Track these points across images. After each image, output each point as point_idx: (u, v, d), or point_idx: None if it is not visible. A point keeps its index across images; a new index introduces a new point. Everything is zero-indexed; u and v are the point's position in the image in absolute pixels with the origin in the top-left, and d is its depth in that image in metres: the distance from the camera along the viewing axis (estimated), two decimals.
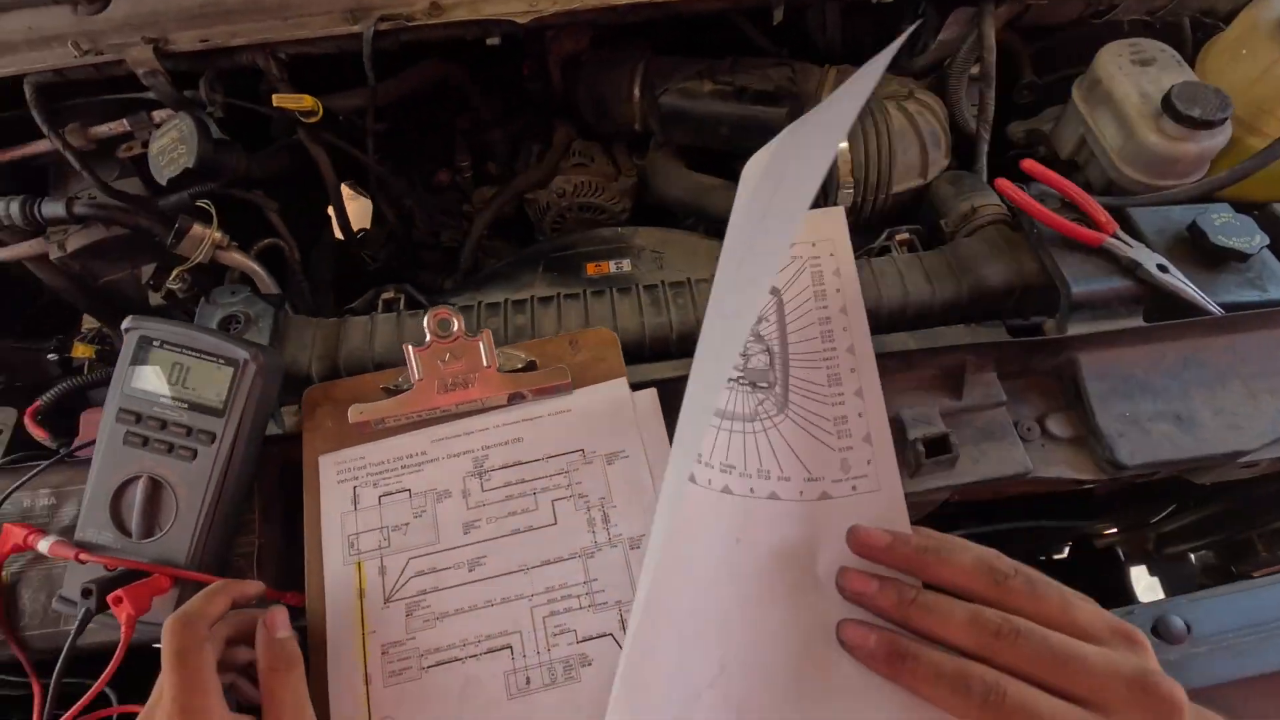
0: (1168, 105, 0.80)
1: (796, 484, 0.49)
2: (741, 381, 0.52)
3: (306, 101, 0.79)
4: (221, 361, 0.58)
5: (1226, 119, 0.80)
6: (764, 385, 0.52)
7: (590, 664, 0.53)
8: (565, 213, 1.21)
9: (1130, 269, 0.73)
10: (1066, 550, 1.13)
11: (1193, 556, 1.09)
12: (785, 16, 0.94)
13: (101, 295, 0.94)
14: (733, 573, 0.48)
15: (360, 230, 1.24)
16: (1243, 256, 0.74)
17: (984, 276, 0.79)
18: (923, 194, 0.92)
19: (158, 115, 0.86)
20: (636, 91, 1.12)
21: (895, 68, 1.06)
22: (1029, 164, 0.82)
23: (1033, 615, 0.40)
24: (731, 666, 0.45)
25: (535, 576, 0.56)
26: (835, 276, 0.56)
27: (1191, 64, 0.91)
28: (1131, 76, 0.85)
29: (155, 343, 0.58)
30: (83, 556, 0.54)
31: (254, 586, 0.53)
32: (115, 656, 0.50)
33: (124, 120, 0.85)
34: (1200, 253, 0.76)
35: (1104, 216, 0.75)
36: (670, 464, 0.44)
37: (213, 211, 0.84)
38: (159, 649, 0.46)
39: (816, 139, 0.50)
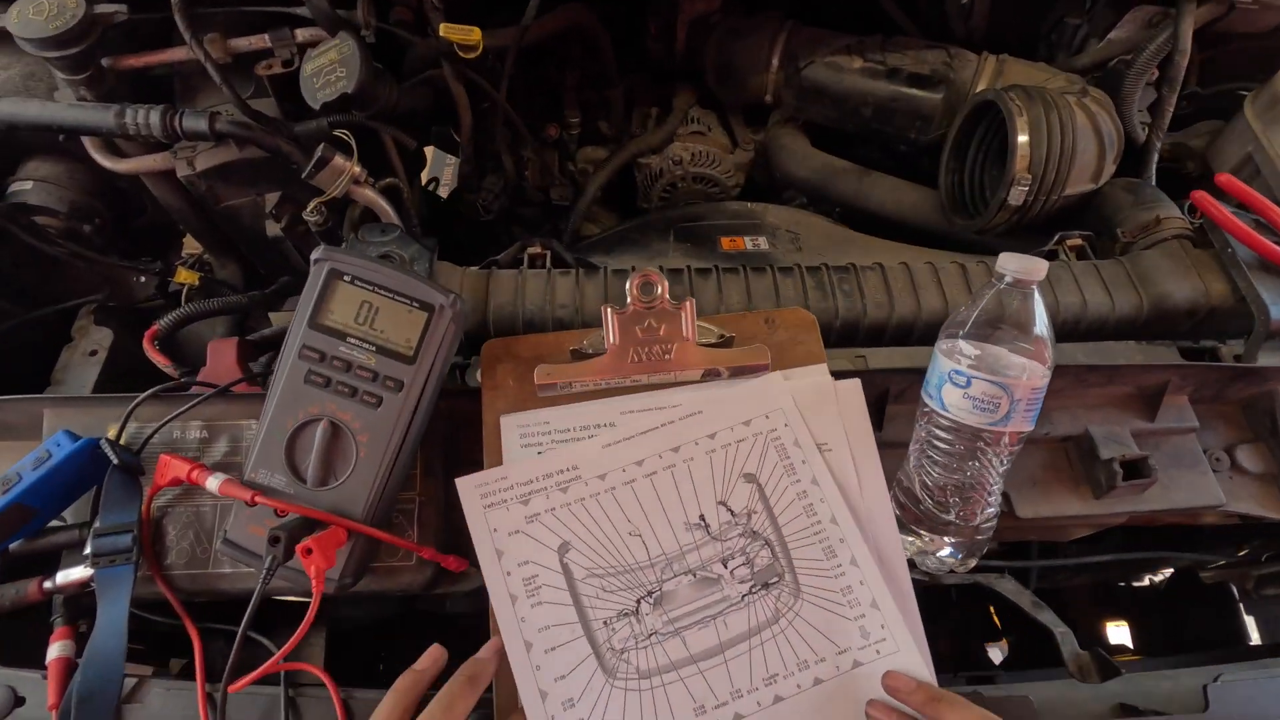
0: None
1: (831, 661, 0.51)
2: (755, 590, 0.53)
3: (474, 35, 0.74)
4: (415, 305, 0.53)
5: None
6: (774, 580, 0.53)
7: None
8: (678, 181, 1.16)
9: None
10: (1163, 575, 1.11)
11: None
12: None
13: (216, 220, 0.89)
14: None
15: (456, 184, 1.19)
16: None
17: (1167, 293, 0.75)
18: (1089, 199, 0.88)
19: (301, 34, 0.80)
20: (776, 61, 1.06)
21: (1054, 63, 1.01)
22: (1225, 179, 0.77)
23: None
24: None
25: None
26: (797, 448, 0.56)
27: None
28: None
29: (346, 277, 0.53)
30: (258, 499, 0.51)
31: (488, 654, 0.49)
32: (307, 617, 0.46)
33: (265, 35, 0.80)
34: None
35: None
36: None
37: (353, 144, 0.79)
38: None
39: None
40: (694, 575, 0.52)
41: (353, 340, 0.53)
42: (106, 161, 0.81)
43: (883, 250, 0.93)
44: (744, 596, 0.52)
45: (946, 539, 0.59)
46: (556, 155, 1.21)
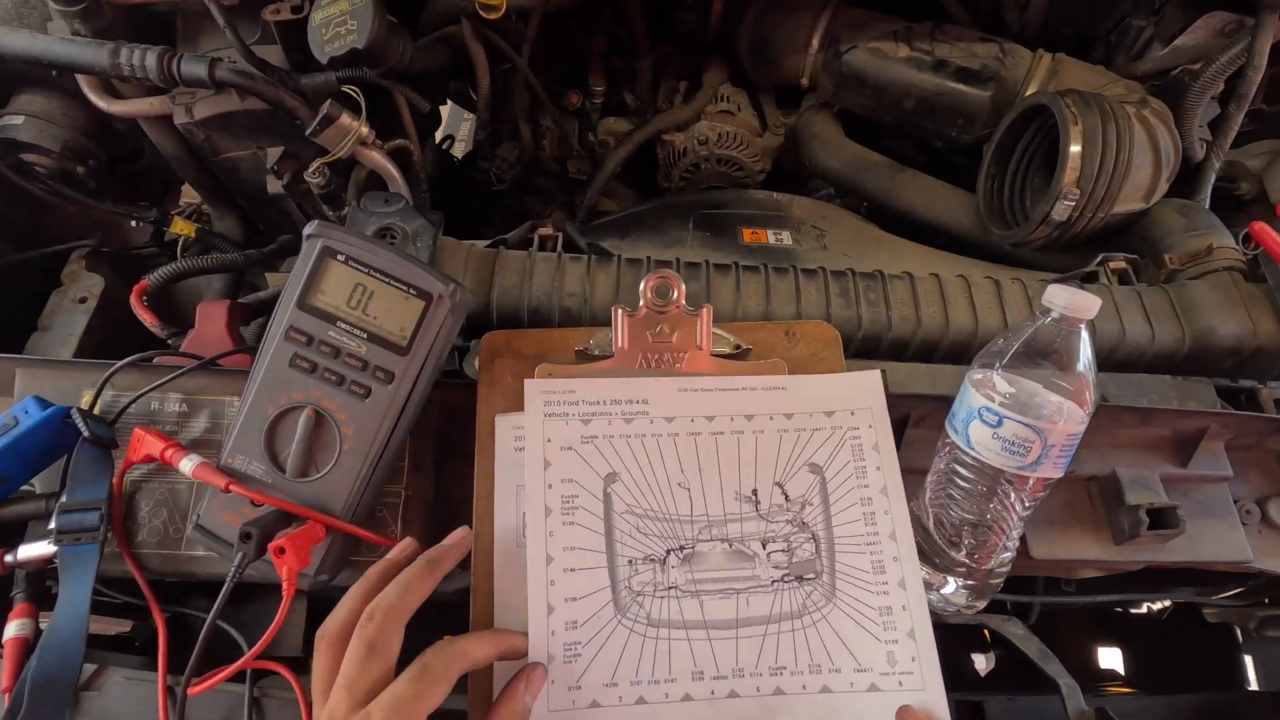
0: None
1: (847, 675, 0.49)
2: (786, 579, 0.51)
3: None
4: (413, 292, 0.49)
5: None
6: (811, 576, 0.51)
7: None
8: (701, 162, 1.11)
9: None
10: (1163, 605, 1.08)
11: None
12: None
13: (215, 171, 0.85)
14: None
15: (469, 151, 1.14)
16: None
17: (1212, 329, 0.71)
18: (1135, 219, 0.83)
19: None
20: (816, 42, 1.00)
21: (1112, 67, 0.95)
22: None
23: None
24: None
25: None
26: (875, 452, 0.54)
27: None
28: None
29: (339, 256, 0.49)
30: (234, 488, 0.48)
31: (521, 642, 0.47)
32: (277, 619, 0.44)
33: None
34: None
35: None
36: None
37: (362, 102, 0.74)
38: None
39: None
40: (729, 545, 0.51)
41: (343, 325, 0.50)
42: (101, 102, 0.77)
43: (911, 255, 0.88)
44: (774, 582, 0.50)
45: (952, 578, 0.56)
46: (576, 125, 1.15)
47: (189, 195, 0.96)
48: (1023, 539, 0.61)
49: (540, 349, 0.55)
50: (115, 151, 0.89)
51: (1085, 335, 0.48)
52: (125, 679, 0.50)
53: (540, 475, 0.50)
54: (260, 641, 0.44)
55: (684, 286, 0.53)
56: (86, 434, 0.51)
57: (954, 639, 1.16)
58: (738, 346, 0.55)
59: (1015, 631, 0.58)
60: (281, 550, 0.45)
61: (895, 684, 0.49)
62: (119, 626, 0.81)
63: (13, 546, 0.53)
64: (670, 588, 0.49)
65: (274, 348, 0.50)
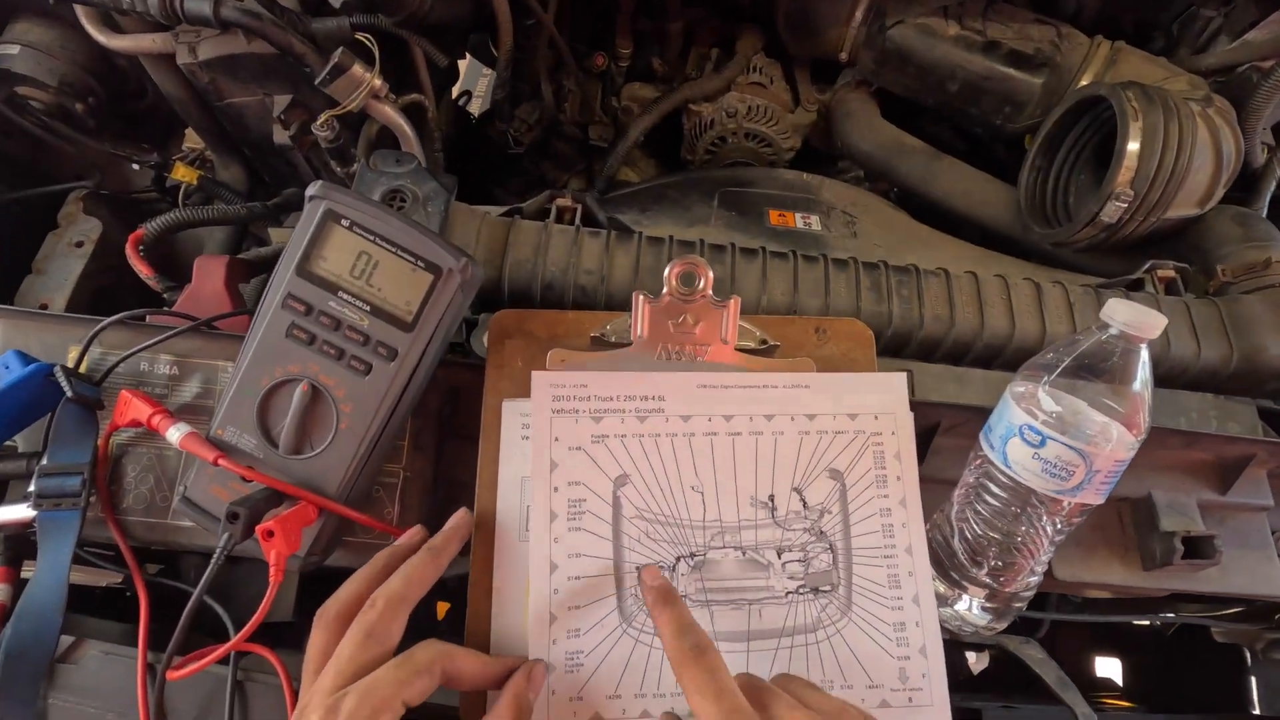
0: None
1: (859, 691, 0.47)
2: (802, 590, 0.49)
3: None
4: (421, 264, 0.46)
5: None
6: (826, 588, 0.49)
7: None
8: (729, 135, 1.06)
9: None
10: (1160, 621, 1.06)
11: None
12: None
13: (220, 117, 0.80)
14: None
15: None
16: None
17: (1263, 347, 0.67)
18: (1186, 225, 0.78)
19: None
20: (860, 14, 0.94)
21: (1173, 59, 0.89)
22: None
23: None
24: None
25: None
26: (896, 461, 0.51)
27: None
28: None
29: (344, 221, 0.46)
30: (222, 462, 0.45)
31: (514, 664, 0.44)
32: (263, 605, 0.41)
33: None
34: None
35: None
36: None
37: (376, 52, 0.70)
38: None
39: None
40: (743, 553, 0.49)
41: (345, 295, 0.46)
42: (100, 36, 0.72)
43: (945, 249, 0.84)
44: (788, 594, 0.48)
45: (967, 595, 0.54)
46: (599, 89, 1.10)
47: (192, 140, 0.91)
48: None
49: (553, 331, 0.52)
50: (116, 90, 0.85)
51: (1145, 355, 0.44)
52: (104, 653, 0.48)
53: (546, 478, 0.48)
54: (247, 626, 0.42)
55: (711, 275, 0.49)
56: (70, 394, 0.48)
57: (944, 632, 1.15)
58: (764, 341, 0.52)
59: (1033, 655, 0.56)
60: (270, 534, 0.42)
61: (905, 700, 0.48)
62: (110, 578, 0.80)
63: None
64: (681, 596, 0.47)
65: (270, 315, 0.46)
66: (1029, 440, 0.46)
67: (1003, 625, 0.54)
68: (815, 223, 0.84)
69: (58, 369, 0.49)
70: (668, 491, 0.48)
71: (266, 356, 0.47)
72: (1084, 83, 0.85)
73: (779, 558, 0.49)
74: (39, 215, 0.86)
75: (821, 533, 0.49)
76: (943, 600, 0.55)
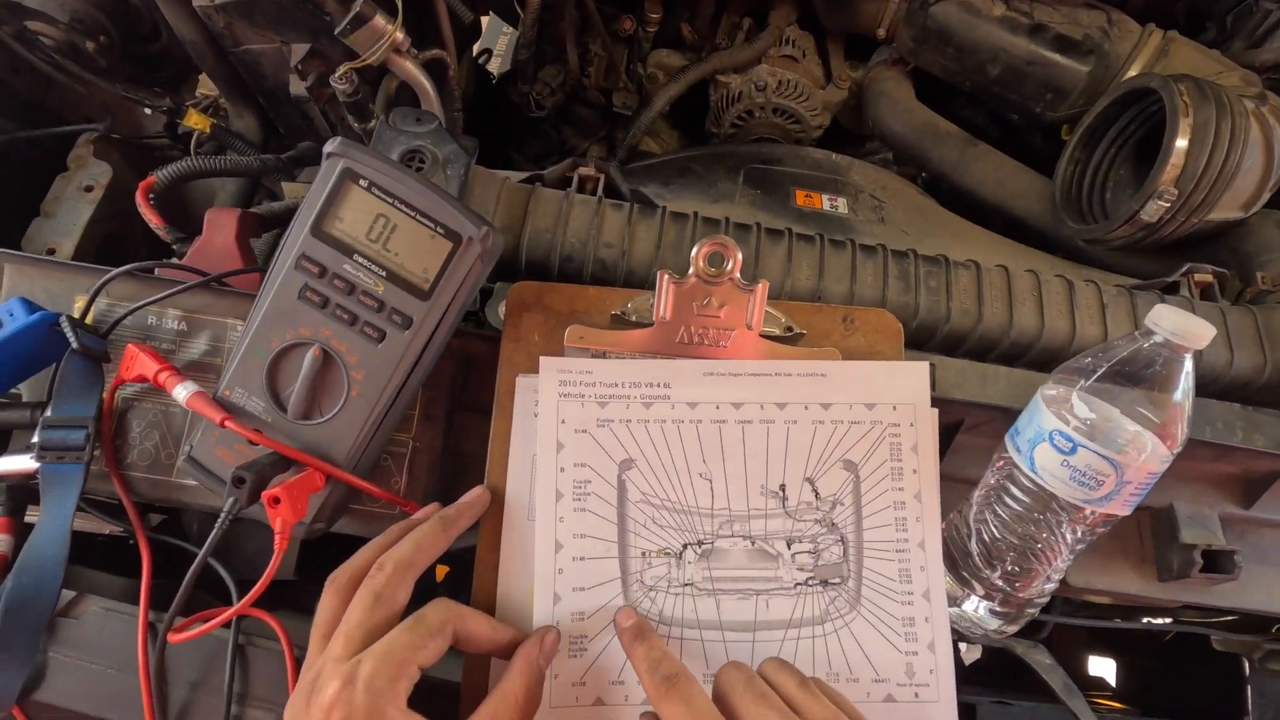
0: None
1: (864, 685, 0.47)
2: (810, 582, 0.48)
3: None
4: (440, 231, 0.44)
5: None
6: (836, 581, 0.48)
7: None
8: (756, 110, 1.03)
9: None
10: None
11: None
12: None
13: (235, 64, 0.78)
14: None
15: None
16: None
17: None
18: (1227, 229, 0.75)
19: None
20: None
21: (1226, 52, 0.85)
22: None
23: None
24: None
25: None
26: (913, 454, 0.50)
27: None
28: None
29: (362, 182, 0.44)
30: (229, 424, 0.44)
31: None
32: (268, 571, 0.40)
33: None
34: None
35: None
36: None
37: (399, 3, 0.67)
38: None
39: None
40: (752, 543, 0.48)
41: (360, 259, 0.45)
42: None
43: (975, 240, 0.81)
44: (797, 586, 0.47)
45: (976, 595, 0.53)
46: (625, 54, 1.07)
47: (206, 87, 0.89)
48: None
49: (573, 307, 0.50)
50: (129, 30, 0.82)
51: (1189, 366, 0.43)
52: (104, 610, 0.47)
53: (552, 458, 0.47)
54: (250, 593, 0.41)
55: (740, 257, 0.47)
56: (75, 345, 0.47)
57: None
58: (789, 329, 0.50)
59: (1041, 660, 0.55)
60: (276, 501, 0.41)
61: (911, 695, 0.47)
62: (112, 527, 0.80)
63: None
64: (686, 584, 0.46)
65: (283, 275, 0.45)
66: (1059, 446, 0.44)
67: (1013, 629, 0.53)
68: (842, 205, 0.82)
69: (63, 319, 0.47)
70: (675, 478, 0.47)
71: (278, 318, 0.45)
72: (1132, 73, 0.82)
73: (788, 549, 0.48)
74: (48, 156, 0.84)
75: (833, 524, 0.48)
76: (952, 600, 0.54)
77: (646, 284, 0.63)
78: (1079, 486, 0.44)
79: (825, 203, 0.82)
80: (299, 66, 0.73)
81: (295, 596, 0.81)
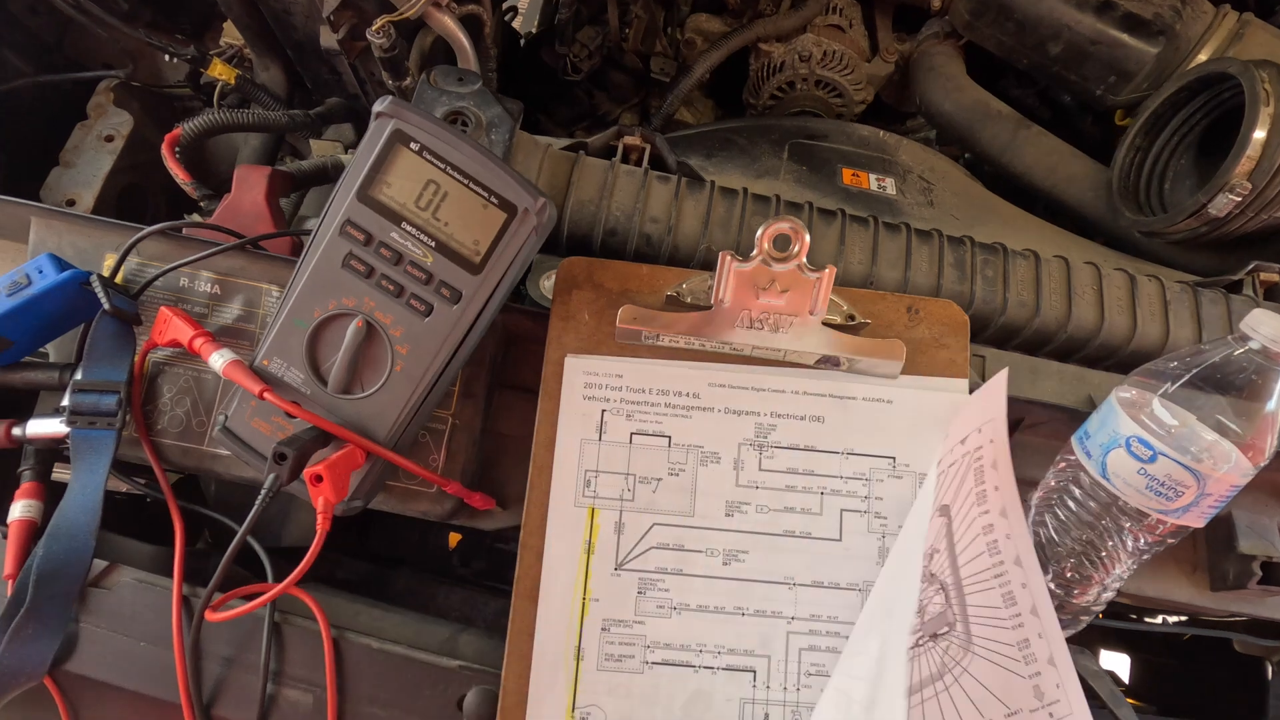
0: None
1: None
2: (921, 641, 0.44)
3: None
4: (494, 201, 0.42)
5: None
6: (944, 630, 0.45)
7: None
8: (798, 81, 0.98)
9: None
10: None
11: None
12: None
13: (264, 12, 0.74)
14: None
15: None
16: None
17: None
18: None
19: None
20: None
21: None
22: None
23: None
24: None
25: (801, 596, 0.45)
26: (994, 470, 0.46)
27: None
28: None
29: (413, 145, 0.41)
30: (269, 396, 0.42)
31: None
32: (310, 553, 0.39)
33: None
34: None
35: None
36: None
37: None
38: None
39: None
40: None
41: (409, 227, 0.42)
42: None
43: (1027, 228, 0.78)
44: (908, 650, 0.44)
45: None
46: (662, 17, 1.02)
47: (231, 35, 0.85)
48: None
49: (625, 285, 0.48)
50: None
51: None
52: (137, 581, 0.46)
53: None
54: (292, 574, 0.39)
55: (808, 240, 0.44)
56: (108, 306, 0.45)
57: None
58: (851, 317, 0.48)
59: (1089, 667, 0.54)
60: (319, 479, 0.39)
61: (1046, 717, 0.44)
62: (132, 486, 0.79)
63: (22, 419, 0.47)
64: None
65: (326, 241, 0.42)
66: (1137, 454, 0.42)
67: (1068, 633, 0.52)
68: (890, 186, 0.78)
69: (94, 278, 0.45)
70: None
71: (320, 286, 0.43)
72: (1203, 57, 0.78)
73: None
74: (67, 103, 0.82)
75: (931, 575, 0.45)
76: None
77: (691, 262, 0.60)
78: (1156, 496, 0.42)
79: (873, 182, 0.79)
80: (331, 18, 0.69)
81: (318, 565, 0.80)
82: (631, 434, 0.46)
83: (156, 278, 0.48)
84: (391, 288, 0.43)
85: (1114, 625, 0.87)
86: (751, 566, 0.45)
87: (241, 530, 0.40)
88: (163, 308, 0.47)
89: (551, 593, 0.44)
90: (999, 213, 0.81)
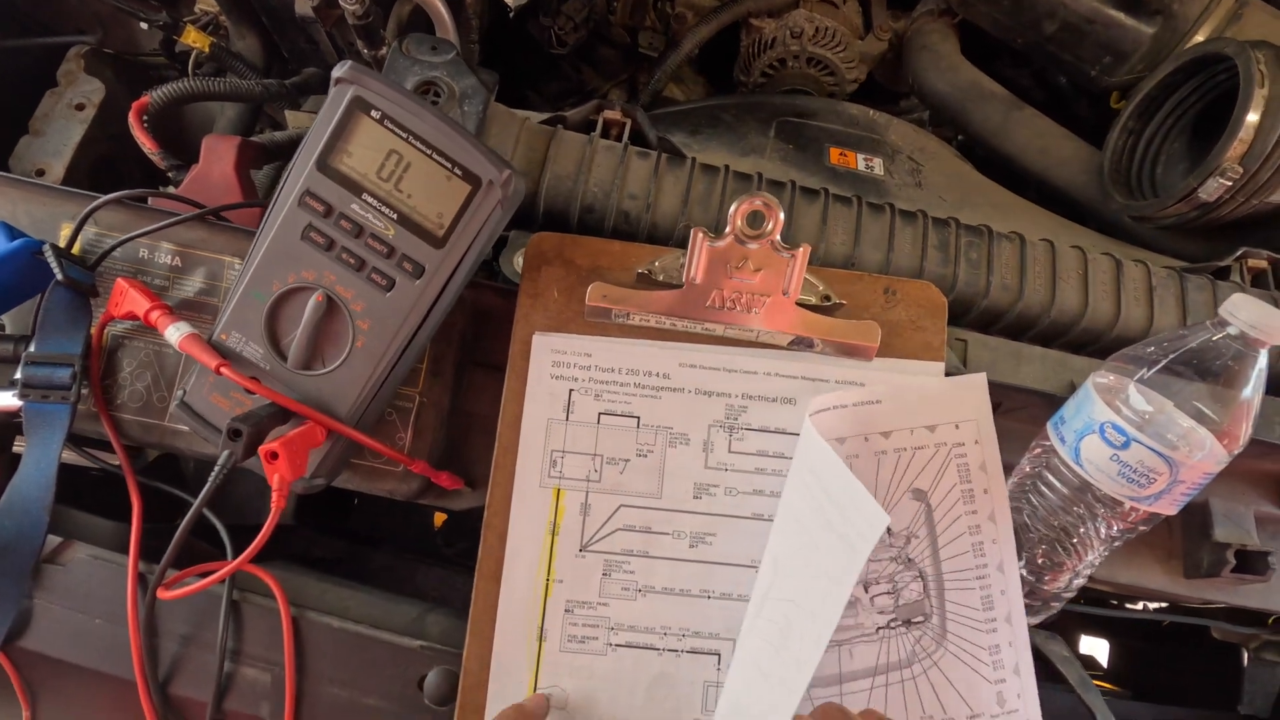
0: None
1: None
2: (893, 624, 0.45)
3: None
4: (459, 173, 0.40)
5: None
6: (919, 619, 0.45)
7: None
8: (789, 58, 0.96)
9: None
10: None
11: None
12: None
13: None
14: None
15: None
16: None
17: None
18: None
19: None
20: None
21: None
22: None
23: None
24: None
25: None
26: (982, 472, 0.47)
27: None
28: None
29: (374, 113, 0.40)
30: (225, 371, 0.41)
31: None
32: (263, 532, 0.38)
33: None
34: None
35: None
36: None
37: None
38: None
39: None
40: None
41: (370, 199, 0.41)
42: None
43: (1015, 210, 0.77)
44: (879, 630, 0.45)
45: None
46: None
47: (206, 2, 0.83)
48: None
49: (596, 262, 0.47)
50: None
51: (1264, 361, 0.39)
52: (92, 558, 0.45)
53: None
54: (245, 553, 0.39)
55: (782, 218, 0.43)
56: (60, 277, 0.44)
57: None
58: (827, 298, 0.47)
59: (1059, 652, 0.54)
60: (274, 456, 0.38)
61: None
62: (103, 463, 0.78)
63: None
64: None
65: (285, 212, 0.41)
66: (1110, 440, 0.42)
67: (1035, 621, 0.51)
68: (878, 166, 0.77)
69: (47, 247, 0.44)
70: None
71: (278, 259, 0.42)
72: (1198, 38, 0.76)
73: (865, 591, 0.45)
74: (36, 70, 0.79)
75: (909, 560, 0.46)
76: None
77: (670, 239, 0.59)
78: (1128, 483, 0.42)
79: (860, 162, 0.77)
80: None
81: (292, 543, 0.80)
82: (599, 414, 0.45)
83: (113, 248, 0.47)
84: (352, 261, 0.41)
85: (1094, 612, 0.87)
86: (718, 550, 0.44)
87: (195, 504, 0.39)
88: (119, 279, 0.45)
89: (515, 573, 0.43)
90: (988, 195, 0.80)
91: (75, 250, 0.47)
